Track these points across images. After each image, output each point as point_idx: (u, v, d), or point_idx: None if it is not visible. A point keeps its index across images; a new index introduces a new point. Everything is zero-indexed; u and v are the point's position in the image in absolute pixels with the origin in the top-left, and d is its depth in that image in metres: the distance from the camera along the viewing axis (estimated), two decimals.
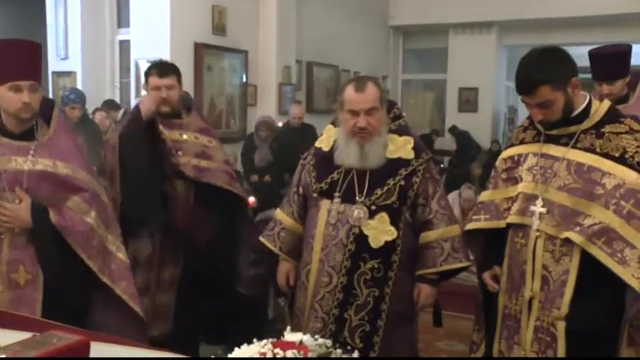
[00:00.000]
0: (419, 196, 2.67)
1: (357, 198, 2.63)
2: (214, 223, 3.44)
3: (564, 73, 2.21)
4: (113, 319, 2.56)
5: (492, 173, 2.61)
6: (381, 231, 2.61)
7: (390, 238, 2.62)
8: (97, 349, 1.67)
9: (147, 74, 3.39)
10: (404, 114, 2.93)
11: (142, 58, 7.05)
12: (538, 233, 2.29)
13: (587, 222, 2.15)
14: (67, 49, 7.83)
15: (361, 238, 2.60)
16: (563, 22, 10.70)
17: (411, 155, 2.68)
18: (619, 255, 2.06)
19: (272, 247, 2.93)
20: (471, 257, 2.72)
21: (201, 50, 7.09)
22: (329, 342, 1.38)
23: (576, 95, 2.26)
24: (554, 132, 2.32)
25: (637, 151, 2.14)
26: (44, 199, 2.47)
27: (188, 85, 6.98)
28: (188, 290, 3.44)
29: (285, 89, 8.30)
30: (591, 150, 2.21)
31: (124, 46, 7.79)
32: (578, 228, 2.17)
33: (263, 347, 1.25)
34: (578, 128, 2.27)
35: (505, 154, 2.57)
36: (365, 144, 2.62)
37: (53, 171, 2.49)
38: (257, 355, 1.23)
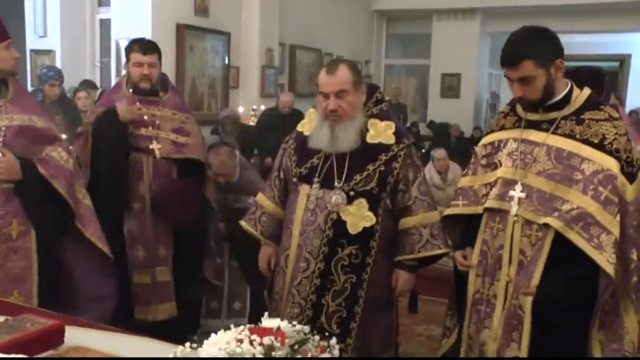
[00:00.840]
0: (399, 181, 2.65)
1: (336, 183, 2.61)
2: (202, 198, 3.50)
3: (549, 52, 2.23)
4: (84, 262, 2.76)
5: (472, 159, 2.61)
6: (359, 217, 2.59)
7: (368, 225, 2.60)
8: (71, 333, 1.66)
9: (128, 50, 3.40)
10: (387, 98, 2.91)
11: (122, 37, 6.93)
12: (516, 218, 2.29)
13: (566, 207, 2.17)
14: (46, 27, 7.70)
15: (339, 224, 2.59)
16: (546, 10, 10.73)
17: (391, 140, 2.65)
18: (596, 240, 2.08)
19: (253, 231, 2.92)
20: (450, 243, 2.72)
21: (183, 31, 7.00)
22: (307, 328, 1.38)
23: (558, 79, 2.27)
24: (535, 117, 2.33)
25: (615, 138, 2.16)
26: (21, 154, 2.53)
27: (170, 66, 6.90)
28: (182, 268, 3.50)
29: (268, 72, 8.24)
30: (571, 136, 2.23)
31: (105, 25, 7.67)
32: (556, 213, 2.17)
33: (240, 334, 1.25)
34: (558, 114, 2.28)
35: (485, 140, 2.56)
36: (335, 127, 2.60)
37: (31, 124, 2.59)
38: (234, 342, 1.22)
